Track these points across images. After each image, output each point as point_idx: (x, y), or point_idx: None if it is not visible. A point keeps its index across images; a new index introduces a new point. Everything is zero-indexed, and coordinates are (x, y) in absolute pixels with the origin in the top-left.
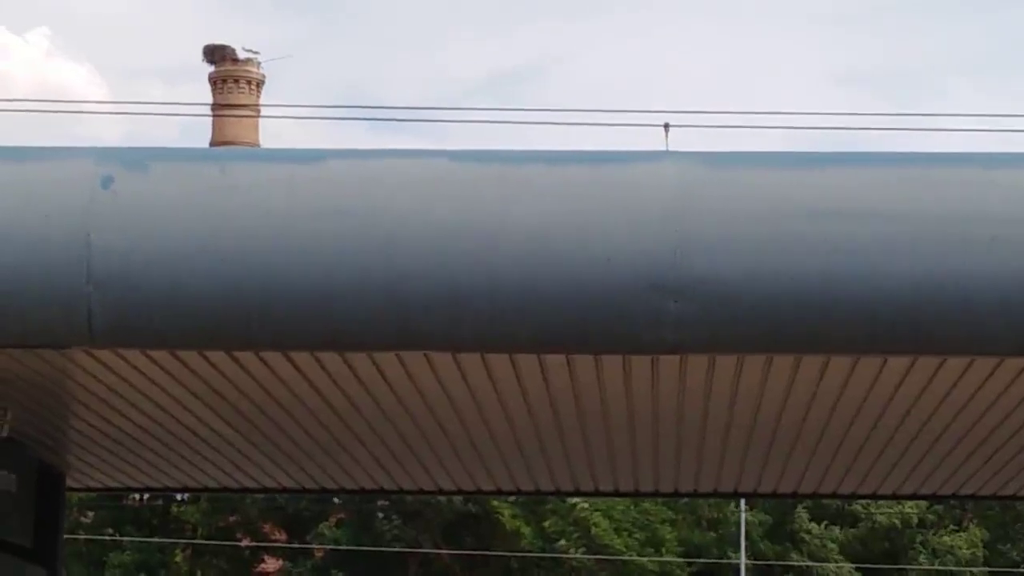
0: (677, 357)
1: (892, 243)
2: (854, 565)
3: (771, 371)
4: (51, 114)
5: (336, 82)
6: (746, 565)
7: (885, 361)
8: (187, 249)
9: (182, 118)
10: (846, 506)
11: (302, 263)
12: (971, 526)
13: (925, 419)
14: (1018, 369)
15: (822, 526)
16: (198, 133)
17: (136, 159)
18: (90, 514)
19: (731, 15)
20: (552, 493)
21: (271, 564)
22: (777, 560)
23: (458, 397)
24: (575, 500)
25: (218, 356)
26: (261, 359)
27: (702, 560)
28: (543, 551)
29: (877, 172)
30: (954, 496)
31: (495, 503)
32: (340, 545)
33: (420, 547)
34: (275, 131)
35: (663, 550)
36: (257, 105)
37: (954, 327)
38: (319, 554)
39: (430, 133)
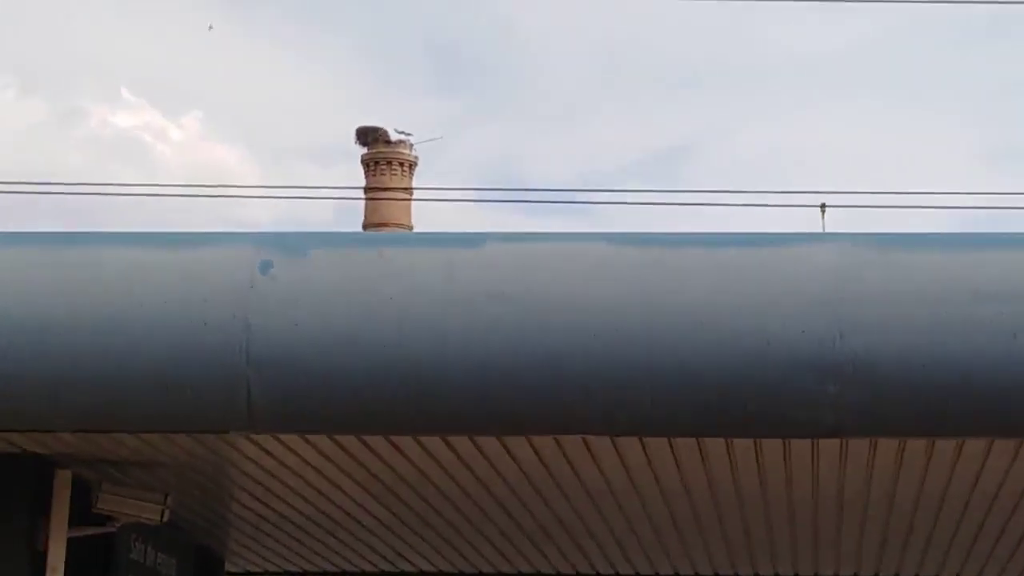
0: (837, 440)
1: None
2: None
3: (933, 454)
4: (206, 198)
5: (488, 161)
6: None
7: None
8: (345, 333)
9: (335, 199)
10: None
11: (461, 347)
12: None
13: None
14: None
15: None
16: (351, 214)
17: (295, 244)
18: None
19: (885, 93)
20: None
21: None
22: None
23: (615, 480)
24: None
25: (376, 440)
26: (419, 443)
27: None
28: None
29: None
30: None
31: None
32: None
33: None
34: (428, 212)
35: None
36: (410, 188)
37: None
38: None
39: (584, 213)
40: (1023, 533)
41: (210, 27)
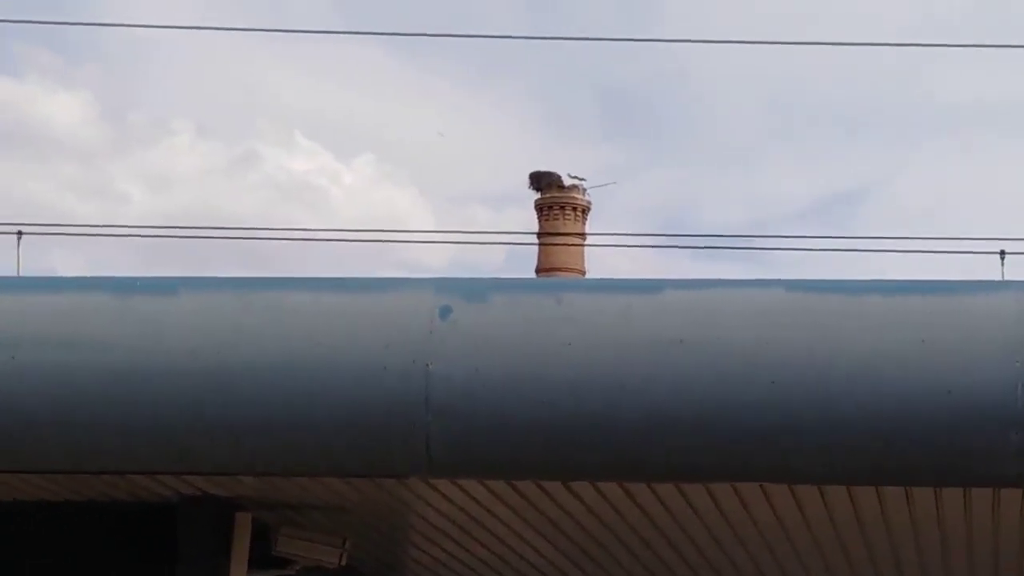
0: (1020, 490)
1: None
2: None
3: None
4: (380, 243)
5: (659, 206)
6: None
7: None
8: (524, 379)
9: (508, 244)
10: None
11: (638, 393)
12: None
13: None
14: None
15: None
16: (524, 259)
17: (474, 290)
18: None
19: None
20: None
21: None
22: None
23: (793, 527)
24: None
25: (554, 486)
26: (596, 488)
27: None
28: None
29: None
30: None
31: None
32: None
33: None
34: (600, 257)
35: None
36: (583, 233)
37: None
38: None
39: (754, 259)
40: None
41: (440, 134)
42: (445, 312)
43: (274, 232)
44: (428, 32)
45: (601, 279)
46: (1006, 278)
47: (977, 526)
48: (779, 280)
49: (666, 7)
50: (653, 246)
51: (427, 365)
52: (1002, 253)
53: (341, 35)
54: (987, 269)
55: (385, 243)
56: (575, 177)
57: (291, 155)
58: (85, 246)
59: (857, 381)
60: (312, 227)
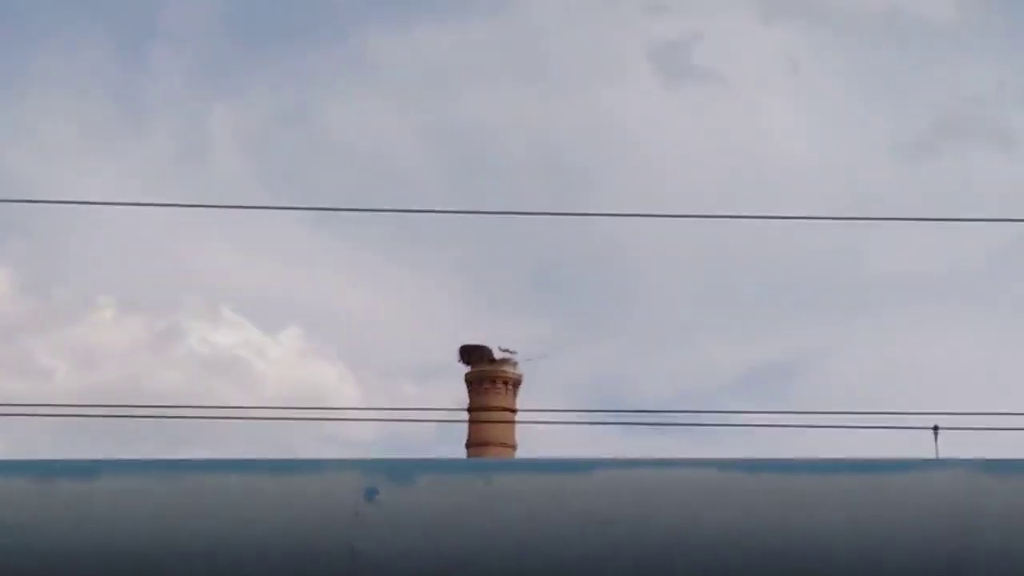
0: None
1: None
2: None
3: None
4: (307, 420)
5: (591, 379)
6: None
7: None
8: (454, 561)
9: (437, 420)
10: None
11: (570, 573)
12: None
13: None
14: None
15: None
16: (454, 433)
17: (401, 471)
18: None
19: (996, 312)
20: None
21: None
22: None
23: None
24: None
25: None
26: None
27: None
28: None
29: None
30: None
31: None
32: None
33: None
34: (532, 431)
35: None
36: (514, 409)
37: None
38: None
39: (687, 432)
40: None
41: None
42: (371, 494)
43: (199, 410)
44: (353, 207)
45: (531, 458)
46: (940, 454)
47: None
48: (712, 459)
49: (597, 179)
50: (585, 423)
51: (352, 548)
52: (935, 428)
53: (268, 210)
54: (921, 445)
55: (313, 420)
56: (505, 350)
57: (216, 329)
58: (8, 424)
59: (791, 561)
60: (238, 403)
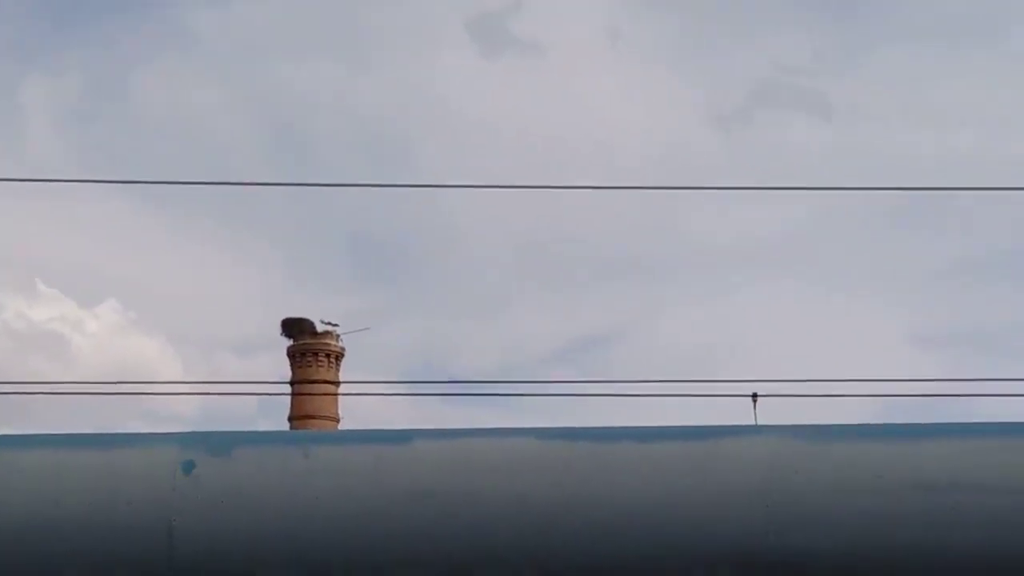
0: None
1: (993, 516)
2: None
3: None
4: (127, 395)
5: (413, 351)
6: None
7: None
8: (271, 535)
9: (259, 393)
10: None
11: (389, 547)
12: None
13: None
14: None
15: None
16: (277, 407)
17: (219, 444)
18: None
19: (813, 279)
20: None
21: None
22: None
23: None
24: None
25: None
26: None
27: None
28: None
29: (977, 443)
30: None
31: None
32: None
33: None
34: (355, 403)
35: None
36: (337, 381)
37: None
38: None
39: (509, 403)
40: None
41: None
42: (188, 467)
43: (14, 386)
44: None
45: (350, 430)
46: (758, 421)
47: None
48: (531, 428)
49: (416, 151)
50: (408, 394)
51: (171, 522)
52: (754, 396)
53: (84, 183)
54: (740, 412)
55: (133, 394)
56: (328, 323)
57: (32, 303)
58: None
59: (608, 529)
60: (55, 378)
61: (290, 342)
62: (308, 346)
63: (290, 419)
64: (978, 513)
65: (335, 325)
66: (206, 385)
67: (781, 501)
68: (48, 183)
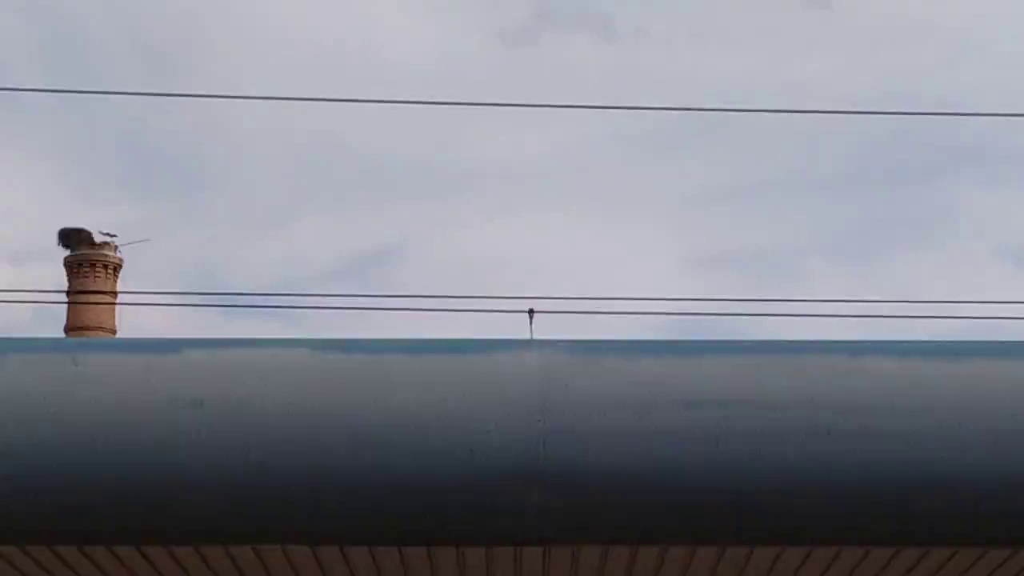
0: (540, 549)
1: (760, 433)
2: None
3: (636, 563)
4: None
5: (192, 264)
6: None
7: (751, 552)
8: (40, 442)
9: (34, 301)
10: None
11: (158, 456)
12: None
13: None
14: (884, 558)
15: None
16: (52, 318)
17: None
18: None
19: (588, 199)
20: None
21: None
22: None
23: None
24: None
25: (70, 552)
26: (114, 554)
27: None
28: None
29: (746, 361)
30: None
31: None
32: None
33: None
34: (133, 315)
35: None
36: (115, 292)
37: (825, 518)
38: None
39: (288, 317)
40: None
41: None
42: None
43: None
44: None
45: (120, 339)
46: (535, 337)
47: None
48: (304, 339)
49: (193, 62)
50: (185, 304)
51: None
52: (531, 312)
53: None
54: (517, 328)
55: None
56: (106, 234)
57: None
58: None
59: (380, 440)
60: None
61: (67, 252)
62: (85, 256)
63: (66, 330)
64: (744, 429)
65: (113, 236)
66: None
67: (553, 415)
68: None
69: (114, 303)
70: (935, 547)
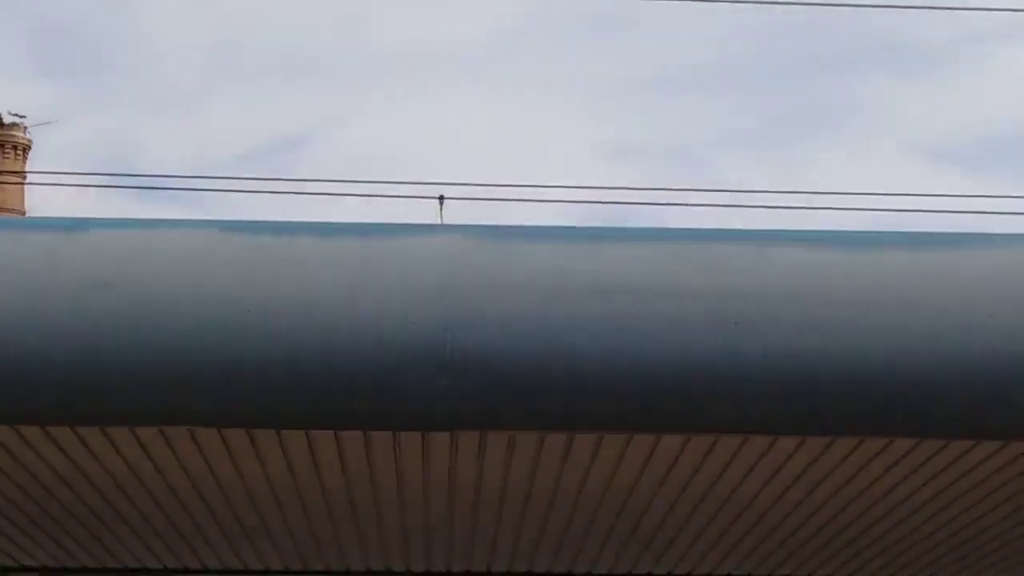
0: (448, 434)
1: (668, 321)
2: None
3: (543, 448)
4: None
5: (103, 147)
6: None
7: (659, 439)
8: None
9: None
10: None
11: (64, 337)
12: None
13: (699, 499)
14: (792, 447)
15: None
16: None
17: None
18: None
19: (502, 85)
20: (324, 574)
21: None
22: None
23: (225, 478)
24: None
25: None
26: (20, 434)
27: None
28: None
29: (654, 248)
30: None
31: None
32: None
33: None
34: (42, 198)
35: None
36: (24, 172)
37: (728, 406)
38: None
39: (199, 201)
40: (635, 524)
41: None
42: None
43: None
44: None
45: (26, 218)
46: (445, 222)
47: (407, 473)
48: (213, 220)
49: None
50: (94, 185)
51: None
52: (441, 198)
53: None
54: (428, 215)
55: None
56: (15, 115)
57: None
58: None
59: (288, 323)
60: None
61: None
62: None
63: None
64: (652, 317)
65: (22, 117)
66: None
67: (460, 300)
68: None
69: (23, 183)
70: (841, 437)
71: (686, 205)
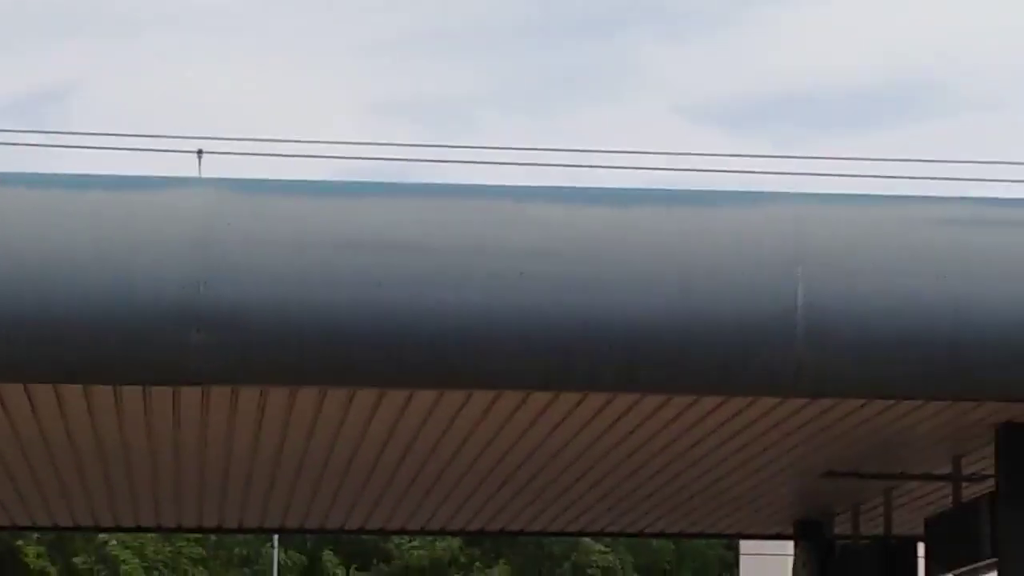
0: (199, 389)
1: (423, 275)
2: None
3: (296, 403)
4: None
5: None
6: None
7: (411, 395)
8: None
9: None
10: (381, 544)
11: None
12: (501, 564)
13: (456, 452)
14: (544, 402)
15: (352, 568)
16: None
17: None
18: None
19: (265, 41)
20: (76, 528)
21: None
22: None
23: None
24: (104, 536)
25: None
26: None
27: None
28: None
29: (410, 203)
30: (483, 532)
31: (20, 542)
32: None
33: None
34: None
35: None
36: None
37: (481, 361)
38: None
39: None
40: (390, 479)
41: None
42: None
43: None
44: None
45: None
46: (203, 175)
47: (157, 427)
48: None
49: None
50: None
51: None
52: (199, 152)
53: None
54: (186, 167)
55: None
56: None
57: None
58: None
59: (42, 275)
60: None
61: None
62: None
63: None
64: (401, 272)
65: None
66: None
67: (213, 253)
68: None
69: None
70: (593, 391)
71: (449, 162)
